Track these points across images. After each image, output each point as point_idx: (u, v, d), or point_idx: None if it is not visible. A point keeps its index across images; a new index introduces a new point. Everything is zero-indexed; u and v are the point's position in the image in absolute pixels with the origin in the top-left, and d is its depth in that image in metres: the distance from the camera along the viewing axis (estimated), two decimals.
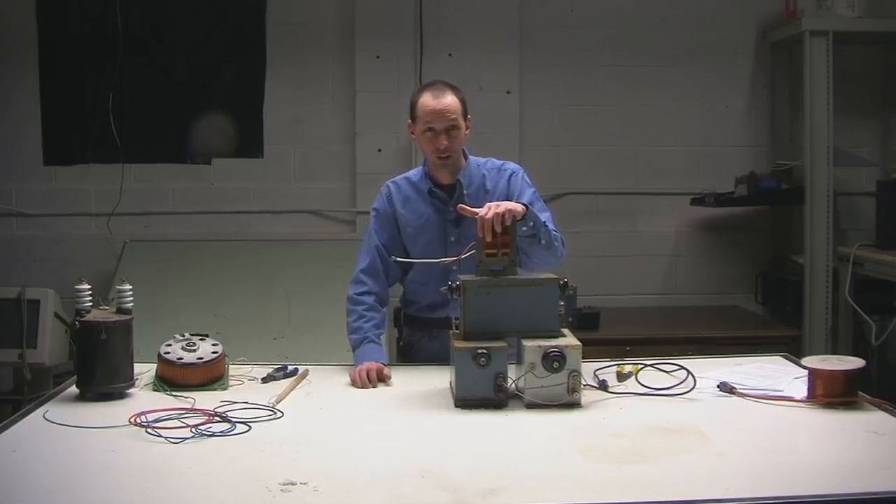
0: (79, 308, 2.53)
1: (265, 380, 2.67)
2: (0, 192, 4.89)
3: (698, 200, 4.95)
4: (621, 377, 2.61)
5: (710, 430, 2.17)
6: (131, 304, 2.55)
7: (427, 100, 2.83)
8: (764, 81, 5.09)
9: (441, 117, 2.80)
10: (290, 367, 2.75)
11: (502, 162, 3.00)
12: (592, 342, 3.40)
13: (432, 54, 4.86)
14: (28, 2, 4.83)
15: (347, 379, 2.70)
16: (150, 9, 4.88)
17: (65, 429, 2.23)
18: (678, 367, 2.60)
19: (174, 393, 2.49)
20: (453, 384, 2.46)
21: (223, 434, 2.16)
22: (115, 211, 4.84)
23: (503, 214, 2.48)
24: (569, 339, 2.41)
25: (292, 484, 1.83)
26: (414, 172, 3.03)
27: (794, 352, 3.35)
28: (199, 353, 2.60)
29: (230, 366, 2.69)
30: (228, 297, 4.42)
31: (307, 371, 2.76)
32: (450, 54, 4.89)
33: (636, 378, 2.59)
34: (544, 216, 2.73)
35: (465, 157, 2.95)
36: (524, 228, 2.58)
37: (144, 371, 2.63)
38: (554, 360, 2.33)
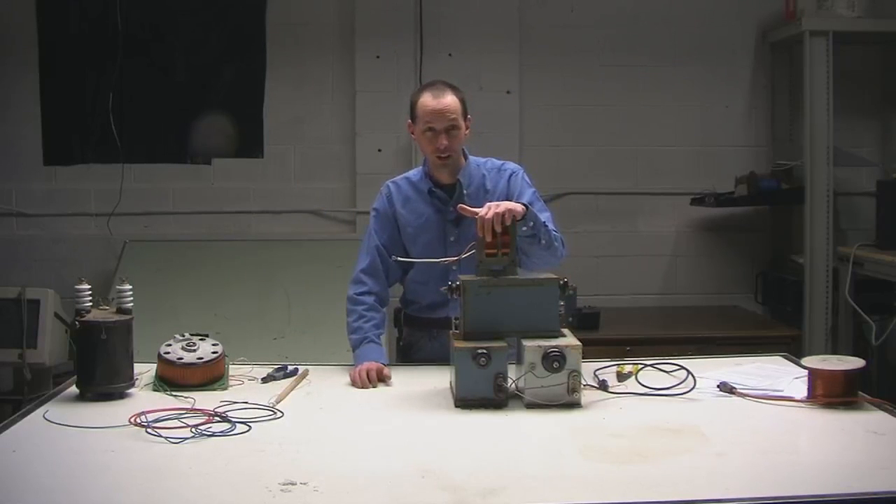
0: (79, 308, 2.53)
1: (265, 380, 2.67)
2: (0, 192, 4.89)
3: (698, 200, 4.95)
4: (621, 377, 2.61)
5: (710, 430, 2.17)
6: (131, 304, 2.55)
7: (427, 100, 2.83)
8: (764, 81, 5.09)
9: (441, 117, 2.80)
10: (290, 367, 2.75)
11: (502, 162, 3.00)
12: (592, 342, 3.41)
13: (432, 54, 4.86)
14: (28, 2, 4.83)
15: (347, 379, 2.70)
16: (150, 9, 4.88)
17: (65, 429, 2.22)
18: (678, 367, 2.60)
19: (174, 393, 2.49)
20: (453, 384, 2.46)
21: (223, 434, 2.16)
22: (115, 211, 4.84)
23: (503, 214, 2.48)
24: (569, 339, 2.41)
25: (292, 484, 1.83)
26: (414, 172, 3.03)
27: (794, 352, 3.35)
28: (199, 353, 2.60)
29: (230, 366, 2.69)
30: (228, 297, 4.42)
31: (307, 371, 2.76)
32: (450, 54, 4.89)
33: (636, 378, 2.59)
34: (544, 216, 2.73)
35: (465, 157, 2.95)
36: (524, 228, 2.58)
37: (144, 371, 2.63)
38: (554, 360, 2.33)
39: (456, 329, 2.49)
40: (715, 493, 1.79)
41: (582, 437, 2.13)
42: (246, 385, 2.64)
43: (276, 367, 2.76)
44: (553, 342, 2.37)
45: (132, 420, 2.22)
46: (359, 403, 2.50)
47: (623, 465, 1.96)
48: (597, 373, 2.59)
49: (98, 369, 2.46)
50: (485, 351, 2.36)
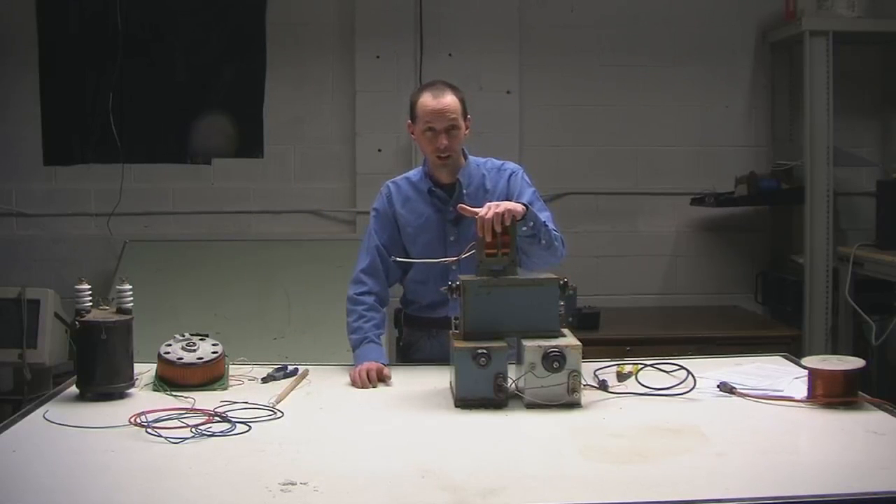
0: (79, 308, 2.53)
1: (265, 380, 2.67)
2: (0, 192, 4.89)
3: (698, 200, 4.95)
4: (621, 377, 2.61)
5: (710, 430, 2.17)
6: (131, 304, 2.55)
7: (427, 99, 2.83)
8: (764, 81, 5.09)
9: (441, 117, 2.80)
10: (290, 367, 2.75)
11: (502, 162, 3.00)
12: (592, 342, 3.41)
13: (432, 54, 4.86)
14: (28, 2, 4.83)
15: (347, 379, 2.70)
16: (150, 9, 4.88)
17: (65, 429, 2.23)
18: (678, 367, 2.60)
19: (174, 393, 2.49)
20: (453, 384, 2.46)
21: (223, 434, 2.16)
22: (115, 211, 4.84)
23: (503, 214, 2.48)
24: (569, 339, 2.41)
25: (292, 484, 1.83)
26: (414, 172, 3.03)
27: (794, 352, 3.35)
28: (199, 353, 2.60)
29: (230, 366, 2.70)
30: (228, 297, 4.42)
31: (307, 371, 2.76)
32: (450, 54, 4.89)
33: (636, 378, 2.59)
34: (544, 216, 2.73)
35: (465, 157, 2.95)
36: (524, 228, 2.58)
37: (144, 371, 2.63)
38: (554, 360, 2.33)
39: (456, 329, 2.49)
40: (715, 493, 1.79)
41: (582, 437, 2.13)
42: (246, 385, 2.64)
43: (276, 367, 2.76)
44: (553, 342, 2.37)
45: (132, 420, 2.22)
46: (359, 403, 2.50)
47: (623, 465, 1.96)
48: (597, 373, 2.59)
49: (98, 369, 2.46)
50: (485, 351, 2.36)
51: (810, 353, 3.54)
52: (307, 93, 4.97)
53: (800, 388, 2.43)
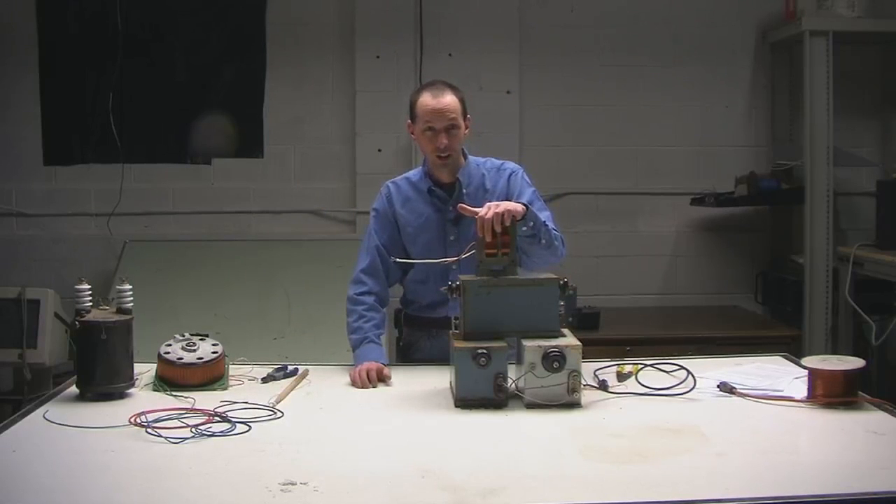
0: (79, 308, 2.53)
1: (265, 380, 2.67)
2: (0, 192, 4.89)
3: (698, 200, 4.95)
4: (621, 377, 2.61)
5: (710, 430, 2.17)
6: (131, 304, 2.55)
7: (426, 99, 2.83)
8: (764, 81, 5.09)
9: (440, 116, 2.81)
10: (290, 367, 2.75)
11: (502, 161, 3.00)
12: (592, 342, 3.41)
13: (432, 54, 4.86)
14: (28, 2, 4.83)
15: (347, 379, 2.70)
16: (150, 9, 4.88)
17: (65, 429, 2.22)
18: (678, 367, 2.60)
19: (174, 393, 2.49)
20: (453, 384, 2.46)
21: (223, 434, 2.16)
22: (115, 211, 4.84)
23: (503, 214, 2.48)
24: (569, 339, 2.41)
25: (292, 484, 1.83)
26: (414, 172, 3.04)
27: (794, 352, 3.35)
28: (199, 353, 2.60)
29: (230, 366, 2.70)
30: (228, 297, 4.42)
31: (307, 371, 2.76)
32: (450, 54, 4.89)
33: (636, 378, 2.59)
34: (544, 215, 2.73)
35: (465, 157, 2.95)
36: (524, 228, 2.58)
37: (144, 371, 2.63)
38: (554, 360, 2.33)
39: (456, 329, 2.49)
40: (715, 493, 1.79)
41: (582, 437, 2.13)
42: (246, 385, 2.64)
43: (276, 367, 2.76)
44: (553, 342, 2.37)
45: (132, 420, 2.22)
46: (359, 403, 2.50)
47: (623, 465, 1.96)
48: (597, 373, 2.59)
49: (98, 369, 2.46)
50: (485, 351, 2.36)
51: (810, 353, 3.54)
52: (307, 93, 4.97)
53: (800, 388, 2.43)
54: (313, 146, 5.00)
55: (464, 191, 2.90)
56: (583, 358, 2.37)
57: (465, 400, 2.38)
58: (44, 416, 2.32)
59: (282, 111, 4.97)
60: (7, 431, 2.20)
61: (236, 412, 2.31)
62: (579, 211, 5.03)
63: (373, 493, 1.82)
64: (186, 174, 4.97)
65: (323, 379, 2.72)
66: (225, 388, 2.58)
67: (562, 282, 2.49)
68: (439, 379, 2.60)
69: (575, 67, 5.02)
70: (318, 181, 5.00)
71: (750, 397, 2.43)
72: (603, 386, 2.50)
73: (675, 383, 2.52)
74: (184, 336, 2.65)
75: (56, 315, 4.09)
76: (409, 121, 2.92)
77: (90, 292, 2.54)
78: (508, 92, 4.93)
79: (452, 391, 2.46)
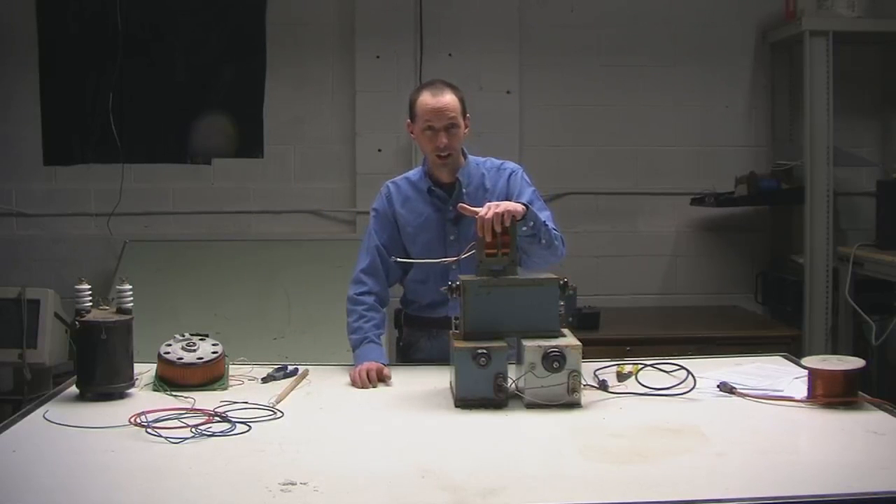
0: (79, 308, 2.53)
1: (265, 380, 2.67)
2: (0, 192, 4.89)
3: (698, 200, 4.95)
4: (621, 377, 2.61)
5: (710, 430, 2.17)
6: (131, 304, 2.55)
7: (426, 98, 2.83)
8: (764, 81, 5.09)
9: (440, 115, 2.81)
10: (290, 367, 2.75)
11: (501, 161, 3.00)
12: (592, 342, 3.41)
13: (432, 54, 4.86)
14: (28, 2, 4.83)
15: (347, 379, 2.70)
16: (150, 9, 4.88)
17: (65, 429, 2.22)
18: (678, 367, 2.60)
19: (174, 393, 2.49)
20: (453, 384, 2.46)
21: (223, 434, 2.16)
22: (115, 211, 4.84)
23: (503, 214, 2.48)
24: (569, 339, 2.41)
25: (292, 484, 1.83)
26: (413, 172, 3.04)
27: (794, 352, 3.35)
28: (199, 353, 2.60)
29: (230, 366, 2.69)
30: (228, 297, 4.42)
31: (307, 371, 2.76)
32: (450, 54, 4.89)
33: (636, 378, 2.59)
34: (544, 215, 2.73)
35: (465, 157, 2.95)
36: (524, 228, 2.58)
37: (144, 371, 2.63)
38: (554, 360, 2.33)
39: (456, 329, 2.49)
40: (715, 493, 1.79)
41: (582, 437, 2.13)
42: (246, 385, 2.64)
43: (276, 367, 2.76)
44: (553, 342, 2.37)
45: (132, 420, 2.22)
46: (359, 403, 2.50)
47: (623, 465, 1.96)
48: (597, 373, 2.59)
49: (98, 369, 2.46)
50: (485, 351, 2.36)
51: (810, 353, 3.54)
52: (307, 93, 4.97)
53: (800, 388, 2.43)
54: (313, 146, 5.00)
55: (464, 190, 2.90)
56: (583, 358, 2.37)
57: (465, 400, 2.38)
58: (44, 416, 2.31)
59: (282, 111, 4.97)
60: (7, 431, 2.20)
61: (236, 412, 2.31)
62: (579, 211, 5.03)
63: (373, 493, 1.82)
64: (186, 174, 4.97)
65: (323, 379, 2.72)
66: (225, 388, 2.58)
67: (562, 282, 2.49)
68: (439, 379, 2.60)
69: (575, 67, 5.02)
70: (318, 181, 5.00)
71: (750, 397, 2.43)
72: (603, 386, 2.50)
73: (675, 383, 2.52)
74: (184, 336, 2.65)
75: (56, 315, 4.09)
76: (409, 120, 2.92)
77: (90, 292, 2.54)
78: (508, 92, 4.93)
79: (452, 391, 2.46)
